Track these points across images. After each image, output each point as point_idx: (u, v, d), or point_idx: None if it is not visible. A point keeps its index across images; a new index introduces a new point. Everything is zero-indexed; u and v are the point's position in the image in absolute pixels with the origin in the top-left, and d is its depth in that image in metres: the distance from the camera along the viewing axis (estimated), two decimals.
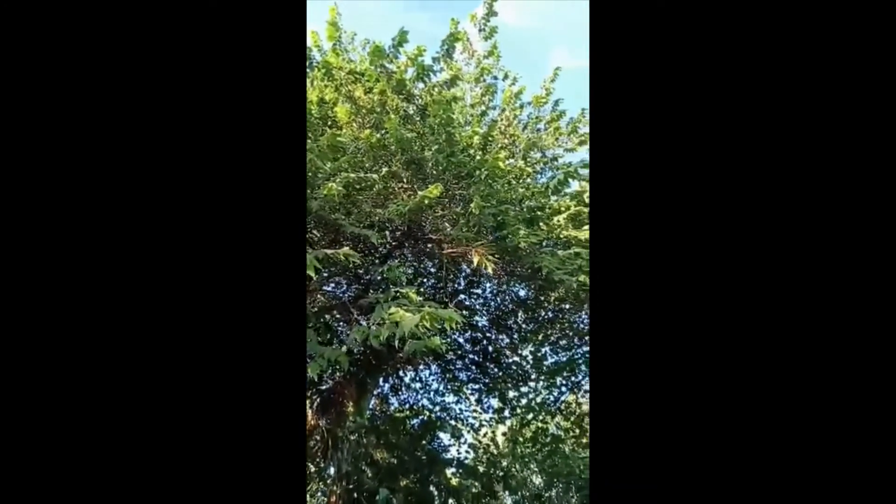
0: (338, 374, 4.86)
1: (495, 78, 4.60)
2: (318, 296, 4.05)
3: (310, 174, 3.36)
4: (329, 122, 4.14)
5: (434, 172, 3.74)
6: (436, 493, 5.41)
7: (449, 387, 5.98)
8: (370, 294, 3.48)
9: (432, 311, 2.28)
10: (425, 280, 4.85)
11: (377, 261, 4.21)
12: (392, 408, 6.38)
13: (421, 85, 4.16)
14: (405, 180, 3.81)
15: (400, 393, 6.25)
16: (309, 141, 3.75)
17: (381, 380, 5.66)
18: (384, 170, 3.52)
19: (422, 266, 4.72)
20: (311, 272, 2.18)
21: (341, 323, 4.29)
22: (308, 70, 4.54)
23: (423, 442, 5.77)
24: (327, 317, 4.06)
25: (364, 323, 2.82)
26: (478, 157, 3.69)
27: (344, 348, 2.86)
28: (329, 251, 2.33)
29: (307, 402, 5.49)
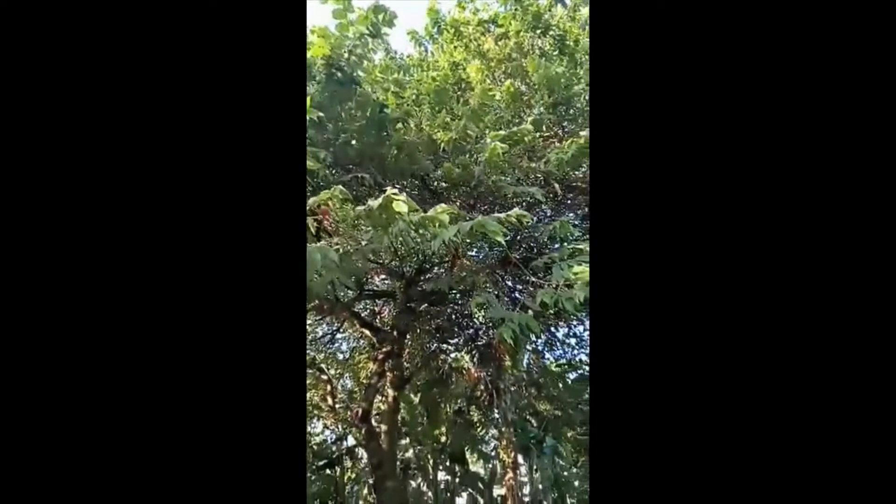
0: (492, 330, 4.76)
1: None
2: (465, 261, 3.86)
3: (460, 140, 3.23)
4: (462, 86, 3.99)
5: (586, 110, 3.39)
6: None
7: None
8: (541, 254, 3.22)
9: None
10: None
11: (535, 219, 3.88)
12: (547, 362, 6.32)
13: (560, 10, 3.82)
14: (553, 125, 3.53)
15: (554, 348, 6.19)
16: (457, 105, 3.66)
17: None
18: (528, 119, 3.28)
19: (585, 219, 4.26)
20: (499, 238, 2.07)
21: (487, 285, 3.97)
22: (436, 35, 4.43)
23: (586, 396, 5.65)
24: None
25: (547, 285, 2.65)
26: None
27: (530, 312, 2.72)
28: (500, 215, 2.24)
29: (467, 355, 5.64)
